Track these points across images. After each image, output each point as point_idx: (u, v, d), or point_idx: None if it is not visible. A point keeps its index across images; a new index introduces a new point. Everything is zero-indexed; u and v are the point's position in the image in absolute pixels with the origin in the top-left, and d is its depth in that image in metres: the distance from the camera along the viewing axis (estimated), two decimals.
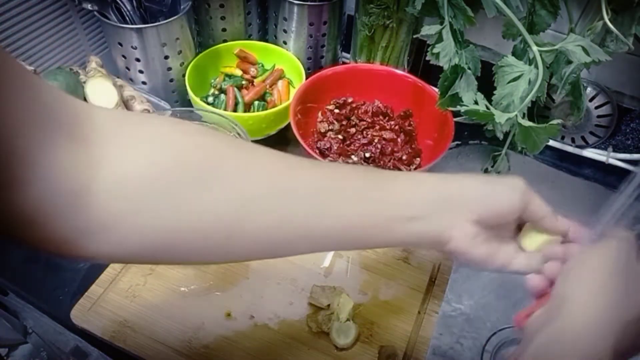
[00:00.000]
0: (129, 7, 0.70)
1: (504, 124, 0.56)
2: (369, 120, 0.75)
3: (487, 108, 0.57)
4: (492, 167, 0.68)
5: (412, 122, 0.76)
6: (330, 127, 0.74)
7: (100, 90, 0.66)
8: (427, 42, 0.60)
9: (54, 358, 0.56)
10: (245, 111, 0.77)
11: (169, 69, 0.75)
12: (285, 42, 0.82)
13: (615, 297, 0.34)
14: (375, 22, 0.73)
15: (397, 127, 0.74)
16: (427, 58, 0.60)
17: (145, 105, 0.69)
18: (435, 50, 0.58)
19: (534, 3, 0.58)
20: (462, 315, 0.81)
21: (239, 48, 0.81)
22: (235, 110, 0.76)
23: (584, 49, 0.54)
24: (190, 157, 0.33)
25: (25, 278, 0.61)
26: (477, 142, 0.81)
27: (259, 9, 0.83)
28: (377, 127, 0.74)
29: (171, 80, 0.77)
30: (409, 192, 0.37)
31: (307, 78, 0.75)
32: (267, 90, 0.80)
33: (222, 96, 0.78)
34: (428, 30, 0.59)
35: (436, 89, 0.63)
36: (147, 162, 0.31)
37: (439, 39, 0.58)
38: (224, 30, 0.81)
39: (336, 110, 0.76)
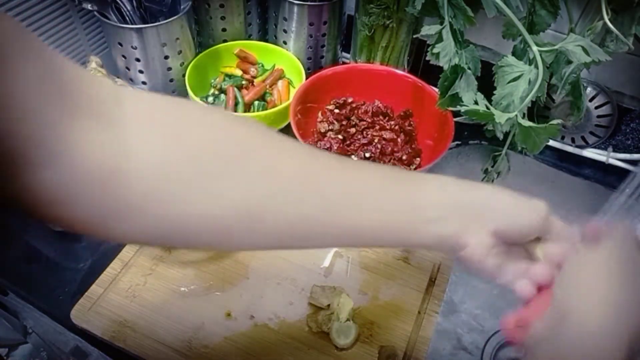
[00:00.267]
0: (129, 7, 0.70)
1: (504, 124, 0.56)
2: (369, 120, 0.75)
3: (487, 108, 0.57)
4: (492, 167, 0.68)
5: (412, 122, 0.76)
6: (330, 127, 0.74)
7: None
8: (427, 42, 0.60)
9: (54, 358, 0.56)
10: (245, 111, 0.77)
11: (169, 69, 0.75)
12: (285, 42, 0.82)
13: (622, 303, 0.32)
14: (375, 22, 0.73)
15: (397, 127, 0.74)
16: (427, 58, 0.60)
17: None
18: (435, 50, 0.58)
19: (534, 3, 0.58)
20: (462, 315, 0.81)
21: (239, 48, 0.81)
22: (235, 111, 0.76)
23: (584, 49, 0.54)
24: (219, 145, 0.32)
25: (25, 278, 0.61)
26: (477, 142, 0.81)
27: (259, 9, 0.83)
28: (377, 127, 0.74)
29: (171, 80, 0.77)
30: (434, 193, 0.37)
31: (307, 78, 0.75)
32: (267, 90, 0.80)
33: (222, 96, 0.78)
34: (428, 30, 0.59)
35: (436, 89, 0.63)
36: (176, 147, 0.31)
37: (439, 39, 0.58)
38: (224, 30, 0.81)
39: (336, 110, 0.76)
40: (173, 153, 0.30)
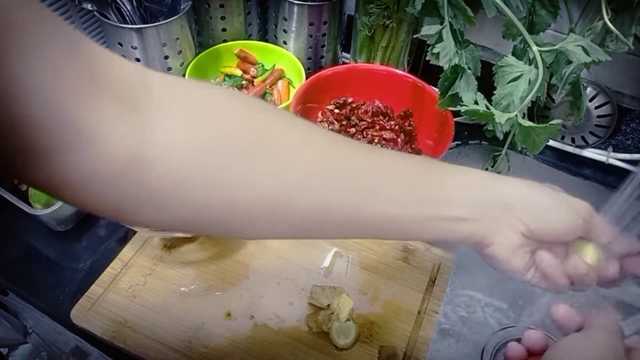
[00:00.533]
0: (129, 7, 0.70)
1: (504, 124, 0.56)
2: (369, 120, 0.75)
3: (487, 108, 0.57)
4: (492, 167, 0.68)
5: (412, 122, 0.76)
6: (330, 127, 0.74)
7: None
8: (427, 42, 0.60)
9: (54, 358, 0.56)
10: None
11: (169, 69, 0.75)
12: (285, 42, 0.82)
13: None
14: (375, 22, 0.73)
15: (397, 127, 0.74)
16: (427, 58, 0.60)
17: None
18: (435, 50, 0.58)
19: (534, 3, 0.58)
20: (462, 315, 0.81)
21: (239, 48, 0.81)
22: None
23: (584, 49, 0.54)
24: (244, 131, 0.32)
25: (25, 278, 0.61)
26: (477, 142, 0.81)
27: (259, 9, 0.83)
28: (377, 127, 0.74)
29: None
30: (461, 190, 0.36)
31: (307, 78, 0.75)
32: (267, 90, 0.80)
33: None
34: (428, 30, 0.59)
35: (436, 89, 0.63)
36: (201, 132, 0.30)
37: (439, 39, 0.58)
38: (224, 30, 0.81)
39: (336, 110, 0.76)
40: (198, 139, 0.30)
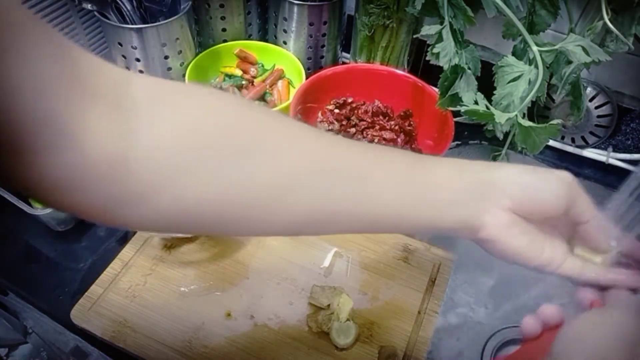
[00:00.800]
0: (129, 7, 0.70)
1: (504, 124, 0.56)
2: (369, 120, 0.75)
3: (487, 108, 0.57)
4: None
5: (412, 122, 0.76)
6: (330, 127, 0.74)
7: None
8: (427, 42, 0.60)
9: (54, 358, 0.56)
10: None
11: (169, 69, 0.75)
12: (285, 42, 0.82)
13: None
14: (375, 22, 0.73)
15: (397, 127, 0.74)
16: (427, 58, 0.60)
17: None
18: (435, 50, 0.58)
19: (534, 3, 0.58)
20: (462, 315, 0.81)
21: (239, 48, 0.81)
22: None
23: (584, 49, 0.54)
24: (233, 129, 0.32)
25: (25, 278, 0.61)
26: (477, 142, 0.81)
27: (259, 9, 0.83)
28: (377, 127, 0.74)
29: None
30: (451, 176, 0.36)
31: (307, 78, 0.75)
32: (267, 90, 0.80)
33: None
34: (428, 30, 0.59)
35: (436, 89, 0.63)
36: (188, 132, 0.30)
37: (439, 39, 0.58)
38: (224, 30, 0.81)
39: (336, 110, 0.76)
40: (183, 139, 0.30)
